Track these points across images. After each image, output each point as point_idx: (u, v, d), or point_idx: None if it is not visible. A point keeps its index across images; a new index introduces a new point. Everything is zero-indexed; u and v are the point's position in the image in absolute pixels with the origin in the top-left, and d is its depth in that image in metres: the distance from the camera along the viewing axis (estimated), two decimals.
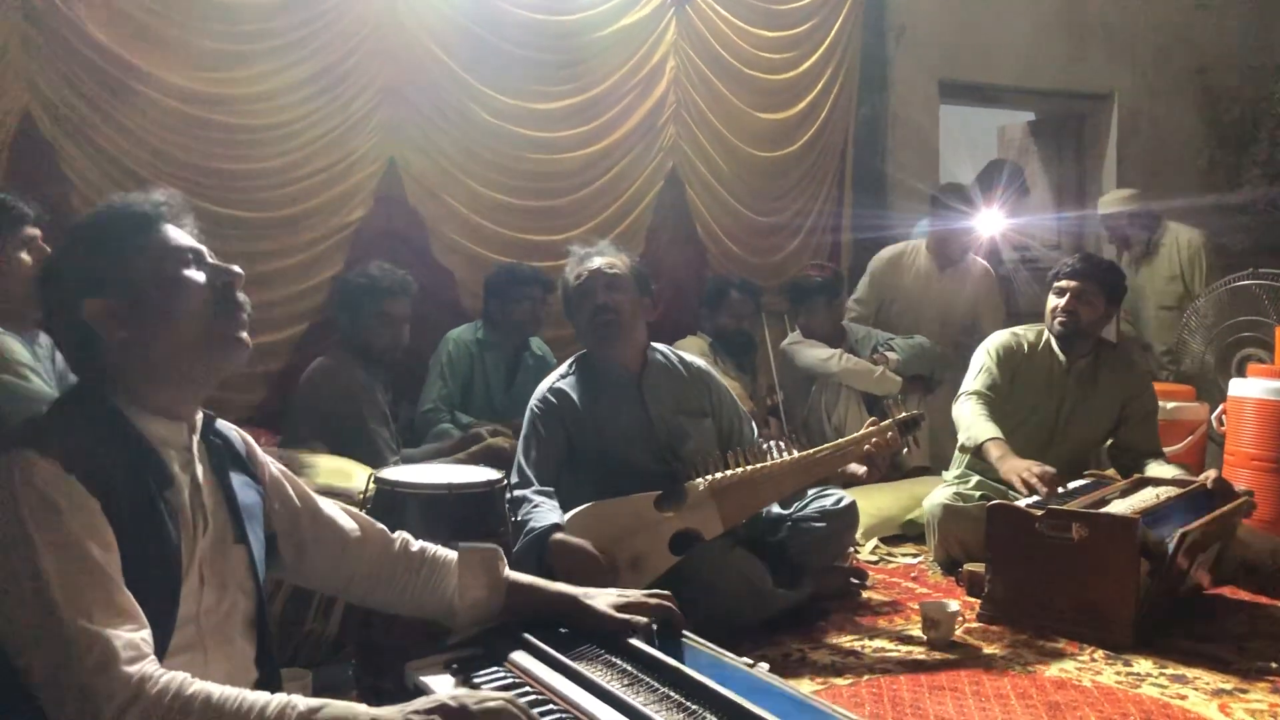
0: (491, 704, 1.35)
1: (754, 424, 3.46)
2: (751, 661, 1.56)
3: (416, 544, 1.81)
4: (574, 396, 3.13)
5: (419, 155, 4.64)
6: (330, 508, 1.79)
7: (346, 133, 4.45)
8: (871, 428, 3.16)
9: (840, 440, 3.24)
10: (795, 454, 3.09)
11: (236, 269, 1.57)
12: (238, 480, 1.63)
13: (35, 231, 2.52)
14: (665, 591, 1.79)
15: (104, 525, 1.36)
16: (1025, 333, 3.87)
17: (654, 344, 3.32)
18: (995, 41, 6.40)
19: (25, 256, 2.49)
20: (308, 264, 4.42)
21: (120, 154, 3.99)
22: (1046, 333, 3.81)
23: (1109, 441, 3.85)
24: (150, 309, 1.48)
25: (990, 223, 5.67)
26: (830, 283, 5.06)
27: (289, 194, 4.36)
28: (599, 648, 1.69)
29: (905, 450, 3.26)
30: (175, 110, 4.08)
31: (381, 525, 1.82)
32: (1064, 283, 3.72)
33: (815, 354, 4.85)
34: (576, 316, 3.19)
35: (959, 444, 3.71)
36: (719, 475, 3.02)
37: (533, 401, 3.16)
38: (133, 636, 1.31)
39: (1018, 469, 3.40)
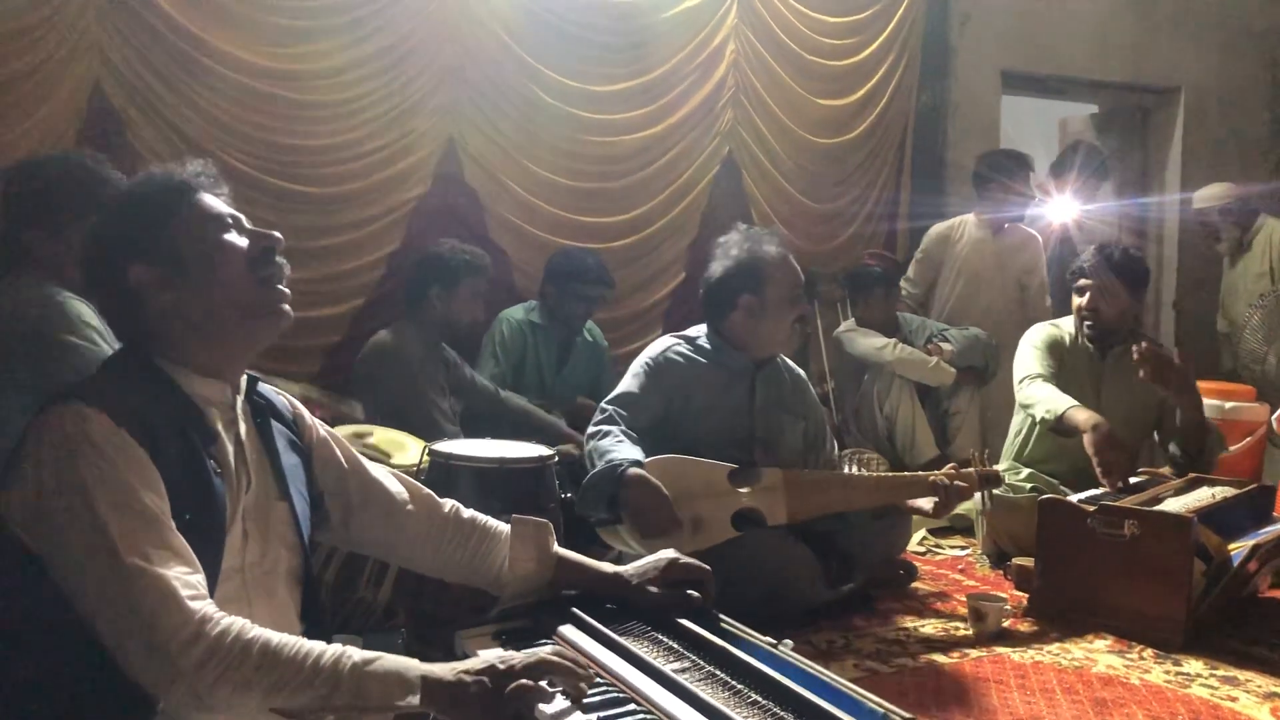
0: (536, 659, 1.38)
1: (836, 442, 3.49)
2: (774, 641, 1.57)
3: (468, 512, 1.83)
4: (691, 365, 3.16)
5: (478, 135, 4.67)
6: (379, 472, 1.82)
7: (407, 111, 4.50)
8: (951, 470, 3.18)
9: (919, 473, 3.29)
10: (872, 473, 3.13)
11: (276, 234, 1.61)
12: (281, 441, 1.66)
13: None
14: (704, 565, 1.79)
15: (154, 474, 1.40)
16: (1064, 324, 3.83)
17: None
18: (1060, 33, 6.30)
19: None
20: (366, 240, 4.47)
21: (187, 126, 4.07)
22: (1074, 332, 3.78)
23: (1163, 439, 3.80)
24: (193, 273, 1.53)
25: (1065, 208, 5.57)
26: (888, 272, 5.02)
27: (350, 170, 4.42)
28: (646, 624, 1.71)
29: (981, 509, 3.26)
30: (242, 85, 4.15)
31: (430, 492, 1.85)
32: (1082, 281, 3.69)
33: (869, 342, 4.82)
34: (767, 304, 3.15)
35: (1039, 419, 3.57)
36: (796, 470, 3.07)
37: (651, 353, 3.19)
38: (190, 578, 1.35)
39: (1103, 447, 3.32)
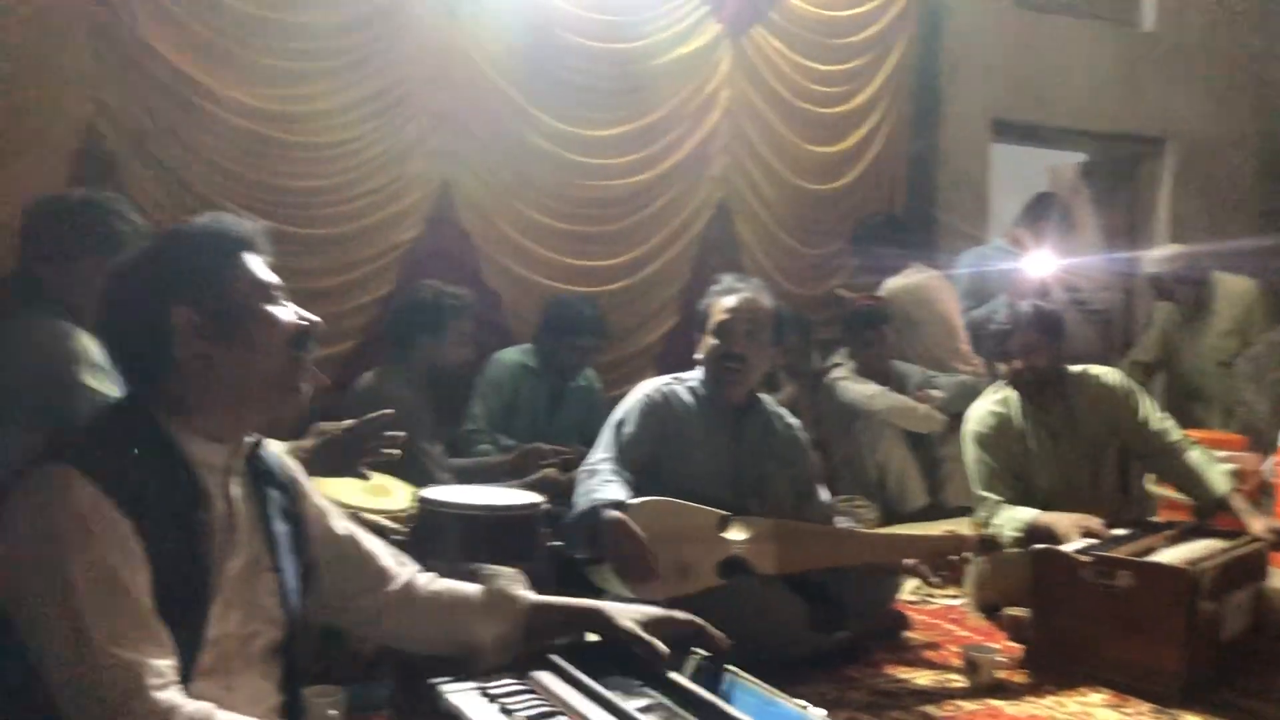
0: None
1: (827, 495, 3.47)
2: (805, 704, 1.52)
3: (440, 582, 1.80)
4: (681, 404, 3.19)
5: (472, 179, 4.68)
6: (370, 543, 1.78)
7: (401, 154, 4.50)
8: (948, 533, 3.16)
9: (916, 534, 3.28)
10: (868, 530, 3.12)
11: (318, 319, 1.60)
12: (274, 507, 1.62)
13: None
14: (693, 616, 1.76)
15: (136, 549, 1.36)
16: (999, 392, 3.80)
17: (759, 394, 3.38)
18: (1050, 82, 6.37)
19: None
20: (358, 282, 4.46)
21: (180, 168, 4.04)
22: (1015, 393, 3.76)
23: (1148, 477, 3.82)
24: (235, 333, 1.50)
25: (1040, 263, 5.59)
26: (882, 312, 5.03)
27: (343, 212, 4.40)
28: (634, 678, 1.67)
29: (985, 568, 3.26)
30: (236, 126, 4.13)
31: (411, 564, 1.81)
32: (1009, 345, 3.68)
33: (860, 390, 4.82)
34: (705, 345, 3.22)
35: (1010, 540, 3.50)
36: (789, 521, 3.04)
37: (641, 391, 3.21)
38: (160, 664, 1.32)
39: (1072, 525, 3.34)
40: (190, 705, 1.31)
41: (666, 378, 3.31)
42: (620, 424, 3.14)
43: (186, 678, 1.39)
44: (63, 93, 3.86)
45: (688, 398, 3.22)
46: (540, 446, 3.91)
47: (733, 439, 3.22)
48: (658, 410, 3.16)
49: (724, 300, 3.22)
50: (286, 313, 1.55)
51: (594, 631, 1.72)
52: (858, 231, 5.49)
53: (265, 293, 1.54)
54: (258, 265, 1.56)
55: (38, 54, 3.79)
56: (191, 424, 1.50)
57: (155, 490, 1.42)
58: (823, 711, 1.50)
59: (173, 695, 1.31)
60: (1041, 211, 5.66)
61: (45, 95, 3.83)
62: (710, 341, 3.20)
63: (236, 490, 1.56)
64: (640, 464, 3.06)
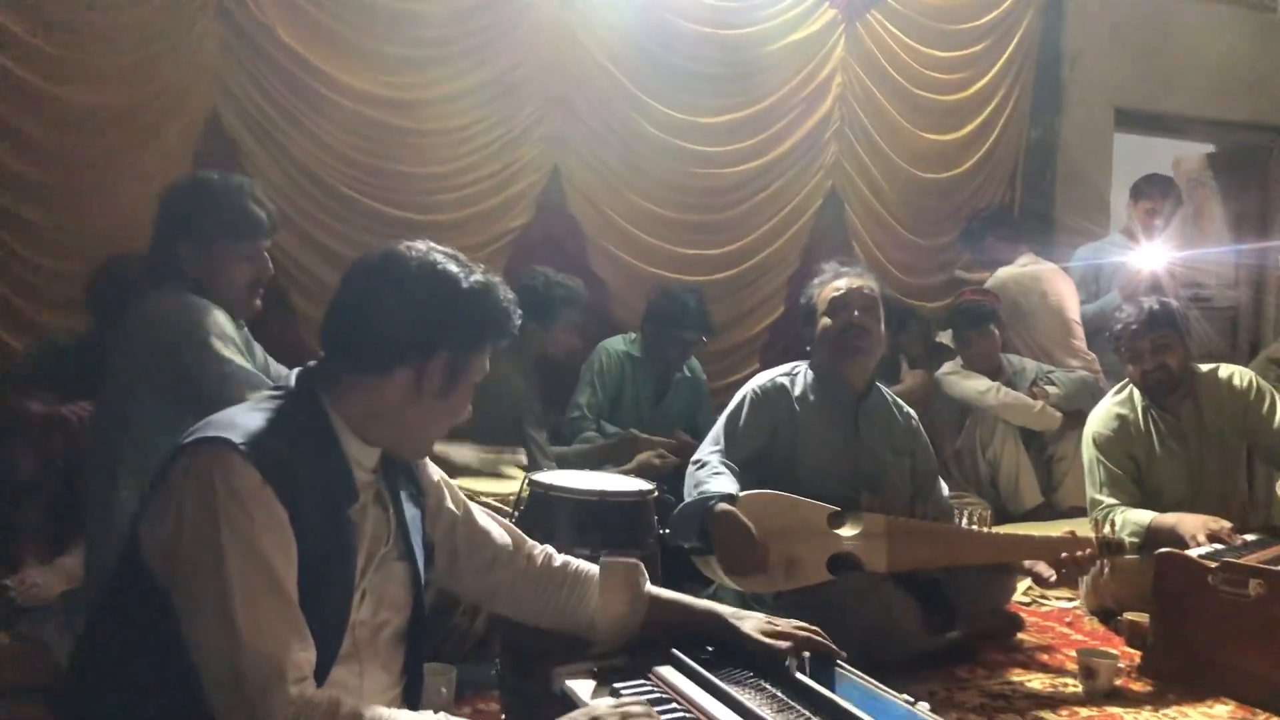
0: (630, 710, 1.39)
1: (947, 487, 3.40)
2: (912, 700, 1.50)
3: (559, 558, 1.82)
4: (793, 396, 3.16)
5: (582, 165, 4.69)
6: (484, 518, 1.81)
7: (514, 140, 4.54)
8: (1068, 534, 3.06)
9: (1035, 535, 3.19)
10: (986, 529, 3.05)
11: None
12: (405, 493, 1.67)
13: (266, 243, 2.59)
14: (814, 627, 1.76)
15: (290, 540, 1.40)
16: (1124, 397, 3.65)
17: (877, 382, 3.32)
18: (1177, 69, 6.12)
19: (246, 265, 2.54)
20: None
21: (300, 153, 4.16)
22: (1137, 395, 3.61)
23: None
24: (449, 397, 1.58)
25: (1151, 255, 5.33)
26: (994, 310, 4.90)
27: (457, 198, 4.46)
28: (748, 670, 1.66)
29: (1103, 572, 3.15)
30: (354, 113, 4.23)
31: (529, 539, 1.84)
32: (1140, 343, 3.52)
33: (972, 385, 4.69)
34: (820, 327, 3.17)
35: (1131, 546, 3.26)
36: (904, 518, 2.98)
37: (753, 385, 3.18)
38: (300, 657, 1.36)
39: (1197, 527, 3.22)
40: (323, 696, 1.35)
41: (782, 369, 3.27)
42: (731, 417, 3.11)
43: (326, 668, 1.43)
44: (189, 79, 4.00)
45: (802, 388, 3.18)
46: (637, 434, 3.92)
47: (851, 429, 3.17)
48: (771, 403, 3.12)
49: (834, 283, 3.18)
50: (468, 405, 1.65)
51: (711, 634, 1.72)
52: (970, 225, 5.35)
53: (477, 378, 1.64)
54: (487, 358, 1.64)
55: (165, 41, 3.93)
56: (355, 425, 1.55)
57: (312, 482, 1.46)
58: (926, 705, 1.48)
59: (306, 689, 1.35)
60: (1147, 192, 5.36)
61: (172, 81, 3.97)
62: (825, 321, 3.14)
63: (379, 483, 1.61)
64: (752, 457, 3.03)
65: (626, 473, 3.55)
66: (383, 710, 1.38)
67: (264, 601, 1.35)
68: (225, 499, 1.36)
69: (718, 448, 3.03)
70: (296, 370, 1.60)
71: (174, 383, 2.32)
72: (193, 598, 1.36)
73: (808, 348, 3.25)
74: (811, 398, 3.16)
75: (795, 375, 3.23)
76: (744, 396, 3.15)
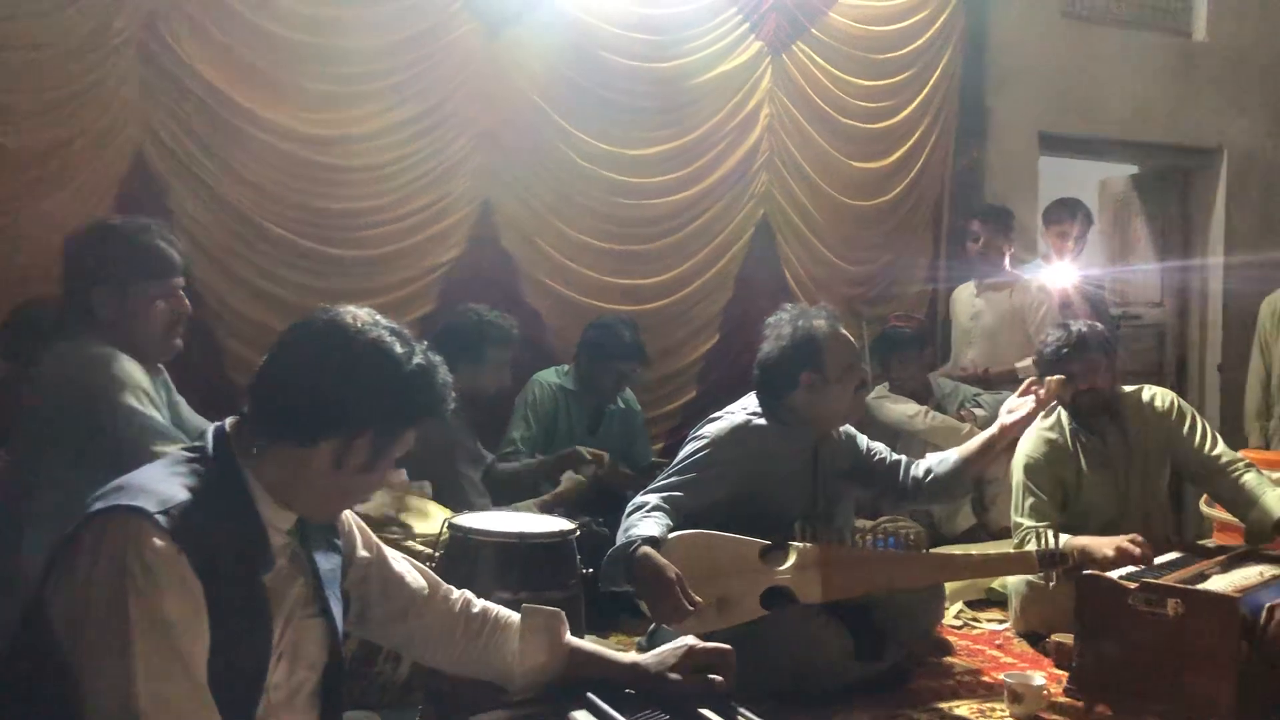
0: None
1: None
2: None
3: (478, 604, 1.81)
4: (762, 439, 3.10)
5: (513, 198, 4.69)
6: (399, 563, 1.79)
7: (443, 175, 4.53)
8: (1011, 552, 3.10)
9: (973, 553, 3.23)
10: (923, 551, 3.09)
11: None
12: (322, 545, 1.65)
13: (180, 281, 2.56)
14: (726, 646, 1.78)
15: (202, 614, 1.38)
16: (1051, 422, 3.69)
17: None
18: (1099, 93, 6.27)
19: (163, 305, 2.53)
20: (400, 303, 4.46)
21: (226, 192, 4.10)
22: (1065, 419, 3.67)
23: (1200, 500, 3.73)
24: (368, 471, 1.56)
25: (1059, 274, 5.42)
26: (918, 335, 4.97)
27: (387, 233, 4.43)
28: (664, 712, 1.67)
29: (1050, 583, 3.16)
30: (281, 150, 4.19)
31: (446, 585, 1.82)
32: (1071, 367, 3.53)
33: (900, 410, 4.74)
34: (832, 394, 3.11)
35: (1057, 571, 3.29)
36: (835, 545, 2.97)
37: (722, 428, 3.11)
38: None
39: (1108, 545, 3.25)
40: None
41: (745, 407, 3.20)
42: (698, 462, 3.04)
43: None
44: (111, 119, 3.93)
45: (770, 427, 3.13)
46: (579, 450, 3.89)
47: (811, 463, 3.18)
48: (736, 451, 3.06)
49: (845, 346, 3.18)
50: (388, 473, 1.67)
51: (632, 687, 1.73)
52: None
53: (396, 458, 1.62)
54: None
55: (86, 81, 3.87)
56: (273, 490, 1.53)
57: (227, 549, 1.43)
58: None
59: None
60: (1056, 215, 5.50)
61: (94, 121, 3.90)
62: (838, 390, 3.11)
63: (294, 545, 1.59)
64: (721, 500, 3.00)
65: (556, 494, 3.54)
66: None
67: (170, 686, 1.32)
68: (138, 575, 1.32)
69: (668, 489, 2.97)
70: (213, 428, 1.56)
71: (85, 438, 2.28)
72: (97, 674, 1.32)
73: (773, 389, 3.16)
74: (776, 435, 3.12)
75: (760, 415, 3.16)
76: (713, 441, 3.08)
